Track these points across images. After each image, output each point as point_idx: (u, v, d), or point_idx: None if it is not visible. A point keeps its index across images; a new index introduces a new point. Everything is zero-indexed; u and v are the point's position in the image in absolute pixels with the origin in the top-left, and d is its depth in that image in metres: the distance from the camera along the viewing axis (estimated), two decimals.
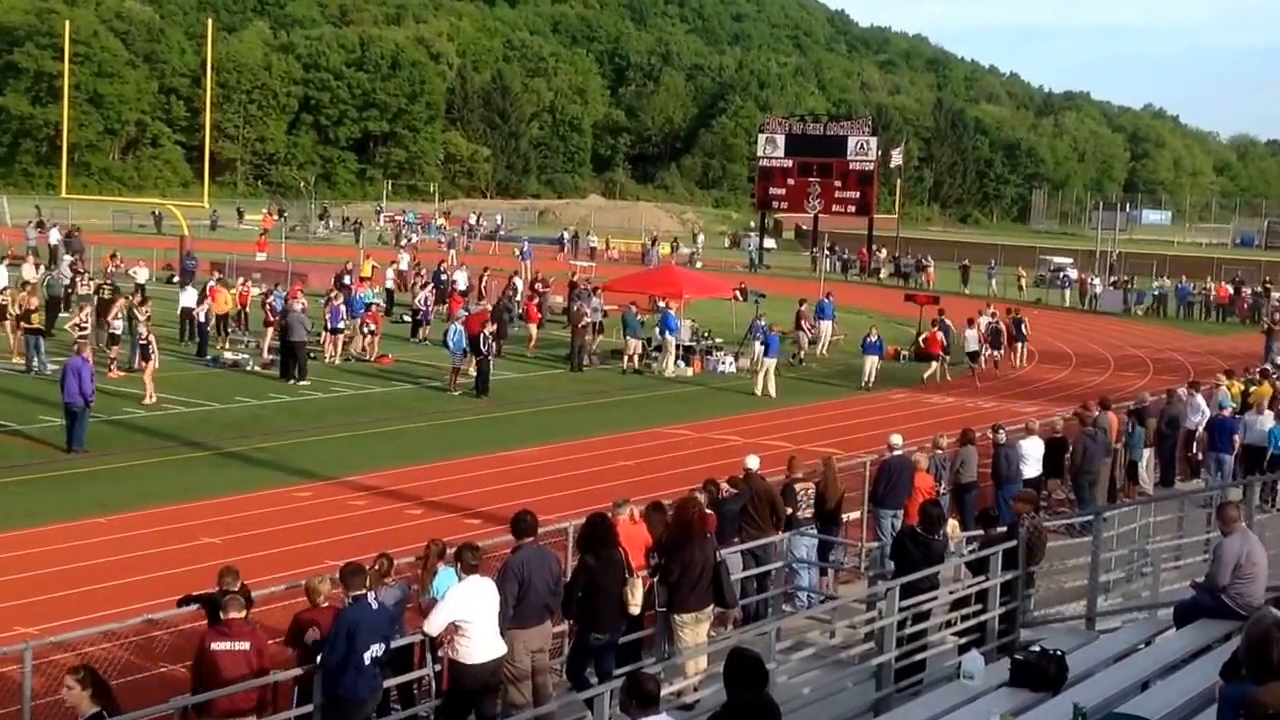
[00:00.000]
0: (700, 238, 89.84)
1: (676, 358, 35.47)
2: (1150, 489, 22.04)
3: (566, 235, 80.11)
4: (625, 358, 35.17)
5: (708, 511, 13.25)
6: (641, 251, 76.71)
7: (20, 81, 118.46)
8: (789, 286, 50.64)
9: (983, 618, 12.14)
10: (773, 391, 32.23)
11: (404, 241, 78.04)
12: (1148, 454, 22.32)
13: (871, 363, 34.35)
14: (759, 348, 33.22)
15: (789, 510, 14.84)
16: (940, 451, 18.31)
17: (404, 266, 49.15)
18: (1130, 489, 21.99)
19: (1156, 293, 62.57)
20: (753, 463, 15.15)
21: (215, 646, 9.90)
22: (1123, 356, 43.67)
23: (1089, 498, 19.78)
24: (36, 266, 40.17)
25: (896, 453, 17.12)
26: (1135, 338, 50.10)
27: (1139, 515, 17.18)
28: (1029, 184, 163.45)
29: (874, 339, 34.82)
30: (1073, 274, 69.42)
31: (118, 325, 30.06)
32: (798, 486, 15.25)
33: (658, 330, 35.67)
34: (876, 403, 32.07)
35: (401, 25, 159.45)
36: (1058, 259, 76.47)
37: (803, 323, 38.76)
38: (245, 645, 9.92)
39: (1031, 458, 19.55)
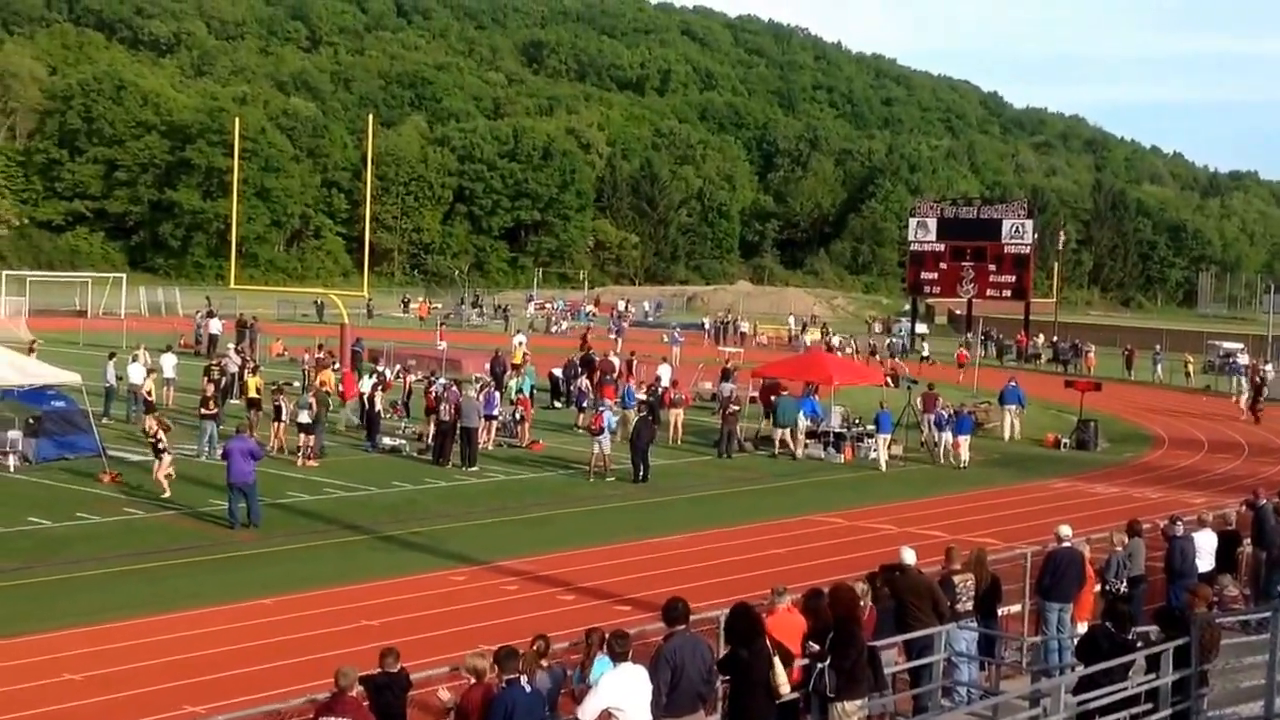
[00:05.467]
0: (814, 328, 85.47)
1: (827, 444, 35.24)
2: None
3: (708, 322, 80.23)
4: (776, 444, 35.06)
5: (866, 604, 13.13)
6: (790, 337, 76.50)
7: (192, 177, 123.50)
8: (942, 372, 50.00)
9: (1155, 717, 11.72)
10: (883, 465, 33.40)
11: (553, 329, 79.06)
12: None
13: (965, 442, 34.83)
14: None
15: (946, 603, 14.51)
16: (1119, 550, 17.66)
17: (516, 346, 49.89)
18: None
19: None
20: (909, 556, 14.82)
21: None
22: None
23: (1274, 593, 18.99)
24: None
25: (1065, 544, 16.61)
26: None
27: None
28: (1195, 267, 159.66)
29: (965, 415, 35.90)
30: (1243, 360, 67.10)
31: (304, 416, 30.38)
32: (956, 578, 14.91)
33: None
34: (1035, 492, 31.37)
35: (553, 116, 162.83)
36: (1227, 344, 74.09)
37: (936, 409, 37.86)
38: None
39: (1205, 550, 18.85)
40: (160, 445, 25.84)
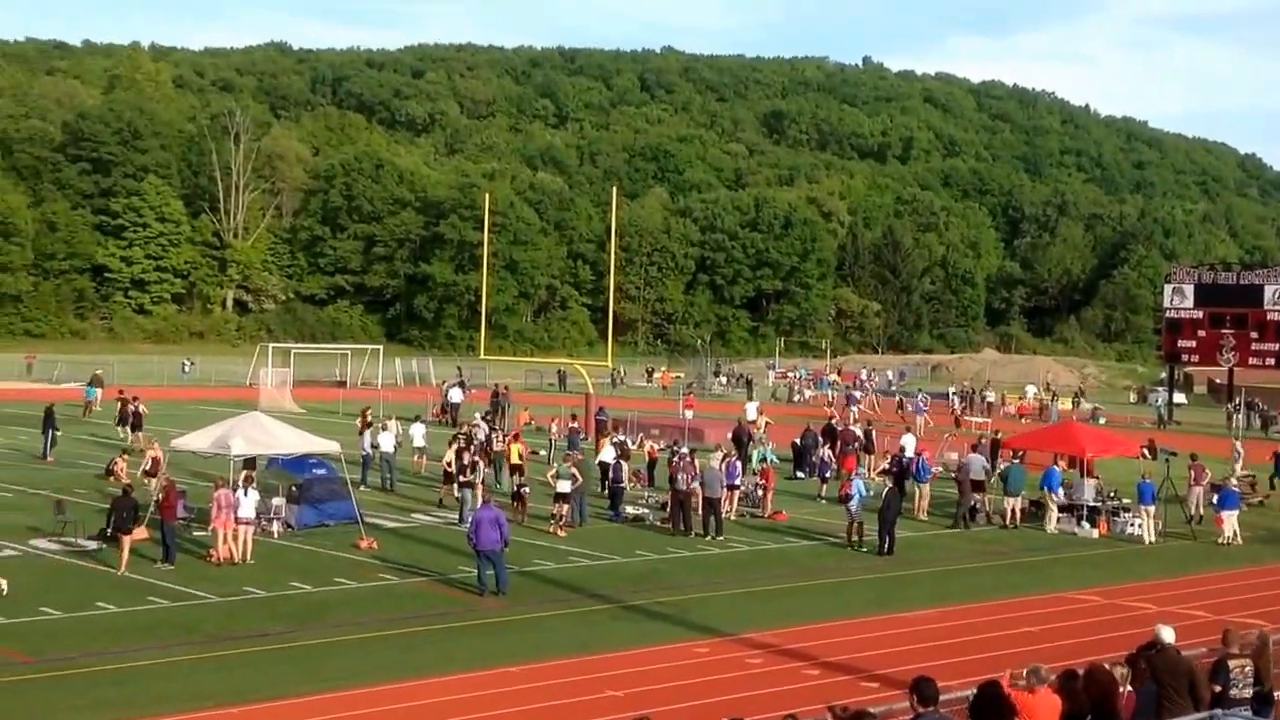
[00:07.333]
0: (1065, 397, 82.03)
1: (1080, 518, 34.08)
2: None
3: (953, 390, 78.85)
4: (1007, 514, 34.17)
5: (1126, 689, 12.62)
6: (1040, 406, 74.52)
7: (445, 251, 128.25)
8: (1202, 444, 47.89)
9: None
10: (1151, 538, 32.65)
11: (795, 398, 78.77)
12: None
13: (1230, 517, 32.89)
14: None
15: (1218, 689, 13.76)
16: None
17: (751, 416, 50.23)
18: None
19: None
20: (1167, 635, 14.19)
21: None
22: None
23: None
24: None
25: None
26: None
27: None
28: None
29: (1230, 489, 33.82)
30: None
31: (564, 486, 30.87)
32: (1231, 663, 14.13)
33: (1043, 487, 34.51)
34: None
35: (794, 186, 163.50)
36: None
37: (1205, 481, 36.21)
38: None
39: None
40: None
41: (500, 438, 39.26)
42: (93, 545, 26.45)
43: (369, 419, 39.46)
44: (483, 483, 32.06)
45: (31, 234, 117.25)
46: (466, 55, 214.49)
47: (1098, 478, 35.70)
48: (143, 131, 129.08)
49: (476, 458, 32.66)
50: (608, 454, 36.15)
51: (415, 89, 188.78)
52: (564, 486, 30.79)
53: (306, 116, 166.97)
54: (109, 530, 25.74)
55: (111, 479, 35.04)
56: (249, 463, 29.08)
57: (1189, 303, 72.01)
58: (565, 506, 30.80)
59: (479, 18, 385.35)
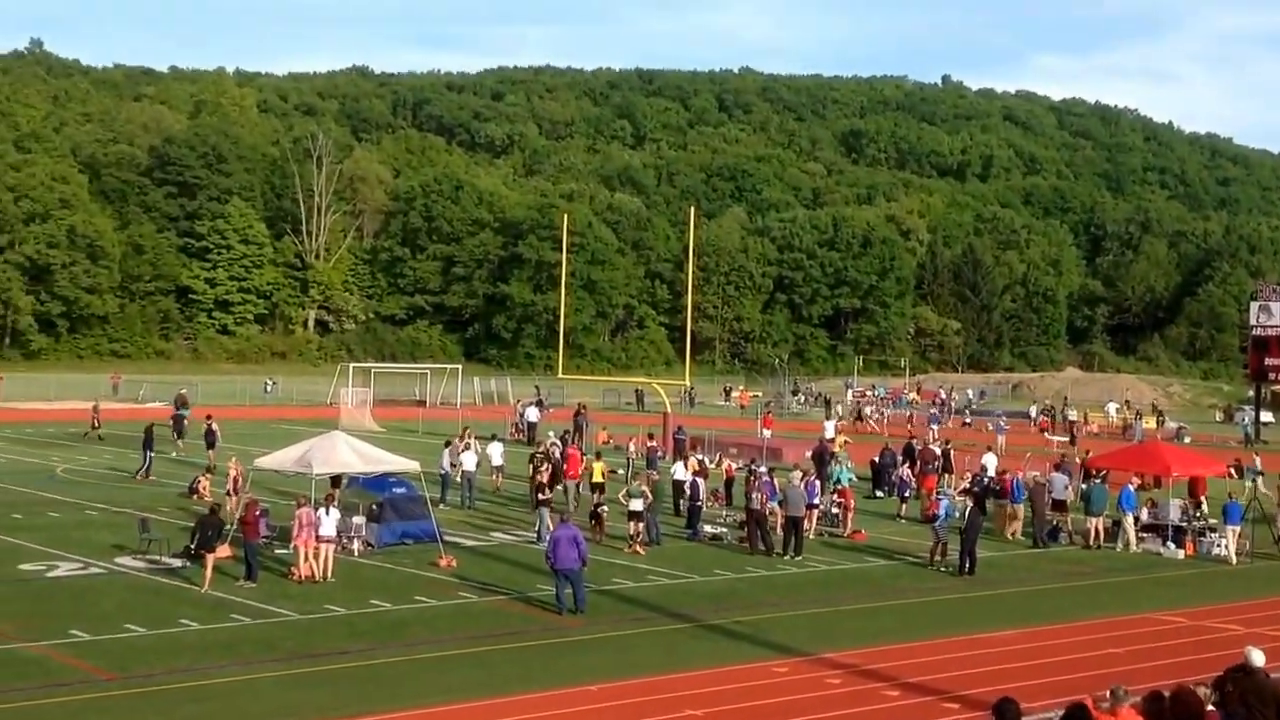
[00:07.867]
0: (1149, 416, 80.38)
1: (1165, 538, 33.50)
2: None
3: (1034, 410, 77.97)
4: (1090, 534, 33.64)
5: (1210, 709, 12.38)
6: (1123, 425, 73.48)
7: (524, 271, 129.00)
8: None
9: None
10: (1234, 559, 31.92)
11: (874, 417, 78.09)
12: None
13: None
14: None
15: None
16: None
17: (830, 434, 50.18)
18: None
19: None
20: (1257, 658, 13.91)
21: None
22: None
23: None
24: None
25: None
26: None
27: None
28: None
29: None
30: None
31: (636, 504, 30.96)
32: None
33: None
34: None
35: (872, 204, 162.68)
36: None
37: None
38: None
39: None
40: None
41: (595, 455, 39.46)
42: (177, 563, 26.85)
43: (466, 438, 39.77)
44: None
45: (118, 256, 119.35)
46: (545, 77, 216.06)
47: (1187, 499, 35.09)
48: (227, 155, 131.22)
49: (543, 478, 32.91)
50: (679, 471, 36.18)
51: (495, 111, 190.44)
52: (636, 505, 30.87)
53: (387, 139, 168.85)
54: (193, 548, 26.11)
55: (195, 497, 35.59)
56: (335, 481, 29.31)
57: (1276, 320, 70.82)
58: (639, 524, 30.84)
59: (558, 40, 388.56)
